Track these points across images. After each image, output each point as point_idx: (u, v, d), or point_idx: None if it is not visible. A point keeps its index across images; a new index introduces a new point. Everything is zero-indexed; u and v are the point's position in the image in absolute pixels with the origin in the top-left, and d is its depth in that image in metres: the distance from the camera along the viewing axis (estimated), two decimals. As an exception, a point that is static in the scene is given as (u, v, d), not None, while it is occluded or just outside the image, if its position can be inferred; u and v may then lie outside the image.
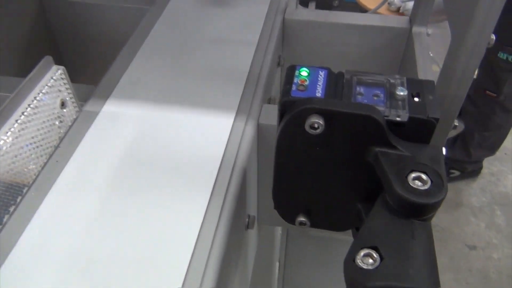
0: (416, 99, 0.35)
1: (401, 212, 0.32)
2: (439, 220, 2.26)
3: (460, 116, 2.32)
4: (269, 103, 0.59)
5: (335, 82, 0.37)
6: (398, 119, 0.34)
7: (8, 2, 0.70)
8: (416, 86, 0.36)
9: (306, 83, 0.36)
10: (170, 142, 0.49)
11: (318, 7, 0.87)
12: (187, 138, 0.49)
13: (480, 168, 2.37)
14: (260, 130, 0.52)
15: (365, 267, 0.30)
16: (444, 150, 0.53)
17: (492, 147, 2.22)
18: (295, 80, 0.36)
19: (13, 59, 0.71)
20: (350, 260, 0.31)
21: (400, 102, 0.35)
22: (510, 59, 1.76)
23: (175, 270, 0.37)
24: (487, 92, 1.95)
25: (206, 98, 0.54)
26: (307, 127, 0.34)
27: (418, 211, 0.32)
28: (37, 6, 0.77)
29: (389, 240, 0.31)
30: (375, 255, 0.31)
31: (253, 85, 0.54)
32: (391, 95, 0.35)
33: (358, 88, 0.36)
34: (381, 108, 0.34)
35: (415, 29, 0.64)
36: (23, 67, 0.71)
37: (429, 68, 0.57)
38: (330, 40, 0.67)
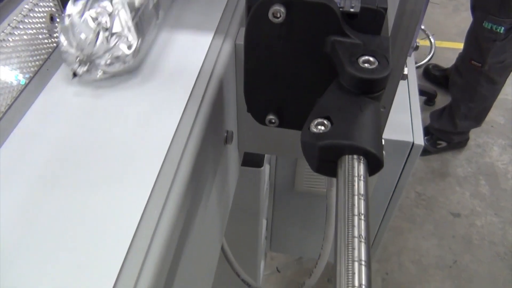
0: (369, -6, 0.39)
1: (352, 90, 0.37)
2: (425, 189, 2.32)
3: (448, 87, 2.37)
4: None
5: (298, -20, 0.40)
6: (351, 10, 0.38)
7: None
8: (370, -17, 0.40)
9: (271, -20, 0.39)
10: (152, 56, 0.52)
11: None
12: (168, 55, 0.53)
13: (467, 139, 2.42)
14: (237, 51, 0.56)
15: (317, 131, 0.35)
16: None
17: (478, 118, 2.27)
18: (261, -23, 0.40)
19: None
20: (305, 129, 0.36)
21: (354, -4, 0.39)
22: (494, 28, 1.79)
23: (153, 158, 0.42)
24: (473, 62, 1.99)
25: (187, 19, 0.57)
26: (270, 16, 0.38)
27: (366, 86, 0.36)
28: None
29: (339, 111, 0.36)
30: (326, 122, 0.35)
31: (231, 9, 0.58)
32: (347, -9, 0.39)
33: (319, -13, 0.40)
34: (337, 0, 0.38)
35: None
36: None
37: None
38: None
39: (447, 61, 2.68)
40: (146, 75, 0.50)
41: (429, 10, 3.19)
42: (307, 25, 0.38)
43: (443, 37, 3.05)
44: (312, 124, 0.35)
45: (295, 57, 0.41)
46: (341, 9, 0.38)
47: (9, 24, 0.45)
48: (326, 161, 0.35)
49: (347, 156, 0.33)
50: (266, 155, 1.05)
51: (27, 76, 0.48)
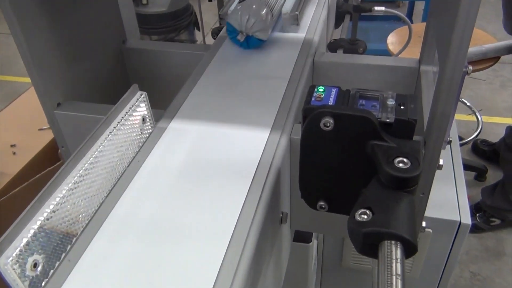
0: (402, 107, 0.48)
1: (390, 186, 0.45)
2: (480, 268, 2.23)
3: (498, 162, 2.35)
4: (299, 123, 0.73)
5: (343, 96, 0.50)
6: (387, 120, 0.47)
7: (95, 50, 0.91)
8: (403, 98, 0.49)
9: (322, 96, 0.50)
10: (219, 150, 0.63)
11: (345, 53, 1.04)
12: (231, 147, 0.64)
13: (523, 217, 2.34)
14: (292, 144, 0.65)
15: (361, 220, 0.43)
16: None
17: (533, 194, 2.21)
18: (314, 94, 0.50)
19: (98, 90, 0.92)
20: (351, 217, 0.44)
21: (389, 109, 0.48)
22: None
23: (219, 242, 0.50)
24: (521, 138, 2.00)
25: (248, 118, 0.69)
26: (321, 126, 0.47)
27: (401, 183, 0.44)
28: (117, 52, 0.99)
29: (379, 203, 0.44)
30: (368, 212, 0.43)
31: (286, 109, 0.69)
32: (383, 105, 0.48)
33: (360, 101, 0.50)
34: (375, 112, 0.47)
35: (423, 68, 0.77)
36: (106, 97, 0.91)
37: (431, 98, 0.69)
38: (352, 78, 0.81)
39: (496, 136, 2.67)
40: (215, 165, 0.61)
41: (476, 86, 3.23)
42: (351, 132, 0.47)
43: (491, 112, 3.06)
44: (356, 213, 0.43)
45: (341, 156, 0.50)
46: (379, 119, 0.47)
47: (116, 125, 0.58)
48: (369, 244, 0.42)
49: (386, 241, 0.41)
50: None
51: (123, 166, 0.60)
